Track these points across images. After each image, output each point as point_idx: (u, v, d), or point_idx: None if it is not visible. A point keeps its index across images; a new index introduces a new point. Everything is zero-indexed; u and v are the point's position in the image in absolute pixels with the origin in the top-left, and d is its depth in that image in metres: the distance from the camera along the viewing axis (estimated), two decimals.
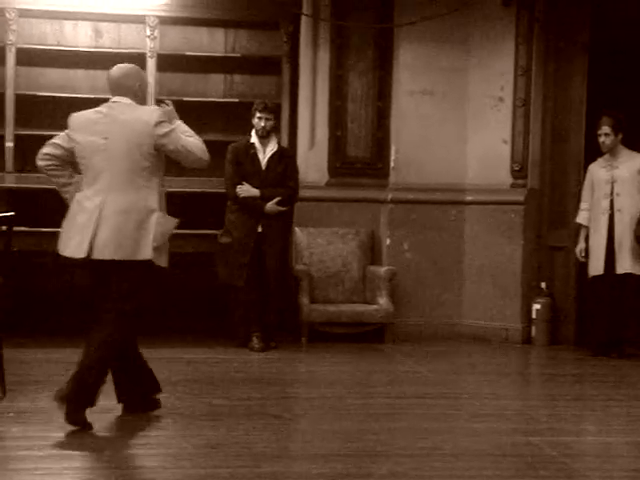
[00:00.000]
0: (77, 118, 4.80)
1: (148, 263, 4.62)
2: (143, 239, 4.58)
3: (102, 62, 7.91)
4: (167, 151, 4.68)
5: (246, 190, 7.02)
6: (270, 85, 8.13)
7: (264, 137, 7.07)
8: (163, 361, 6.54)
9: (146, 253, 4.59)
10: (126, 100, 4.72)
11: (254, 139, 7.11)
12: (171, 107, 4.85)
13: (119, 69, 4.80)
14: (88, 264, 4.69)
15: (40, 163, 4.82)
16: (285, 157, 7.19)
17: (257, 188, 7.03)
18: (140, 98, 4.80)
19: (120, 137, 4.63)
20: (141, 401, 4.89)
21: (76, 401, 4.50)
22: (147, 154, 4.63)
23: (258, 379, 6.06)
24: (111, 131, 4.65)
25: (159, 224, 4.62)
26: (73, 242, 4.66)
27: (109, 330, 4.67)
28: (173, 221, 4.74)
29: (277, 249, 7.09)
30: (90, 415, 4.84)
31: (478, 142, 7.91)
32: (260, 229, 7.05)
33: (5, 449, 4.27)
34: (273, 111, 7.11)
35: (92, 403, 4.55)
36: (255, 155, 7.07)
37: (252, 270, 7.00)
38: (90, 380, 4.55)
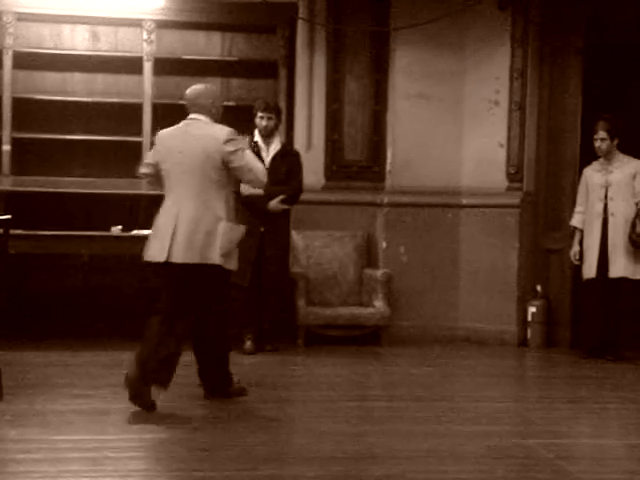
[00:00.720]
0: (161, 134, 5.36)
1: (217, 267, 5.10)
2: (212, 245, 5.07)
3: (99, 65, 7.96)
4: (232, 167, 5.14)
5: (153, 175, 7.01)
6: (267, 89, 8.13)
7: (267, 136, 7.08)
8: None
9: (214, 258, 5.08)
10: (202, 117, 5.25)
11: (257, 138, 7.12)
12: (246, 139, 5.36)
13: (194, 89, 5.35)
14: (164, 267, 5.12)
15: (142, 178, 5.53)
16: (289, 156, 7.18)
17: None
18: (214, 114, 5.29)
19: (193, 152, 5.13)
20: (224, 388, 5.39)
21: (143, 384, 5.00)
22: (216, 168, 5.11)
23: (254, 382, 6.06)
24: (186, 146, 5.16)
25: (226, 232, 5.11)
26: (154, 247, 5.17)
27: (184, 327, 5.15)
28: (240, 229, 5.23)
29: (277, 250, 7.10)
30: (87, 418, 4.87)
31: (474, 145, 7.93)
32: (262, 228, 7.03)
33: (2, 452, 4.27)
34: (275, 110, 7.12)
35: (165, 384, 5.08)
36: (259, 154, 7.02)
37: (254, 271, 6.99)
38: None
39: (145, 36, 7.87)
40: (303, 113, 7.97)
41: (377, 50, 7.94)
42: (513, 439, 4.67)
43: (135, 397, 4.99)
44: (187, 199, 5.12)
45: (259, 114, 7.05)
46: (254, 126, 7.10)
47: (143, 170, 5.41)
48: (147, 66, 7.85)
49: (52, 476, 3.94)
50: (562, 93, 7.72)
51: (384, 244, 7.89)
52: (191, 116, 5.30)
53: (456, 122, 7.94)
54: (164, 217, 5.17)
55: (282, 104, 8.01)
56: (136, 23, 7.87)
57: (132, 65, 7.89)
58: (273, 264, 7.06)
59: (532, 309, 7.70)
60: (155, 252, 5.15)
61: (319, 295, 7.72)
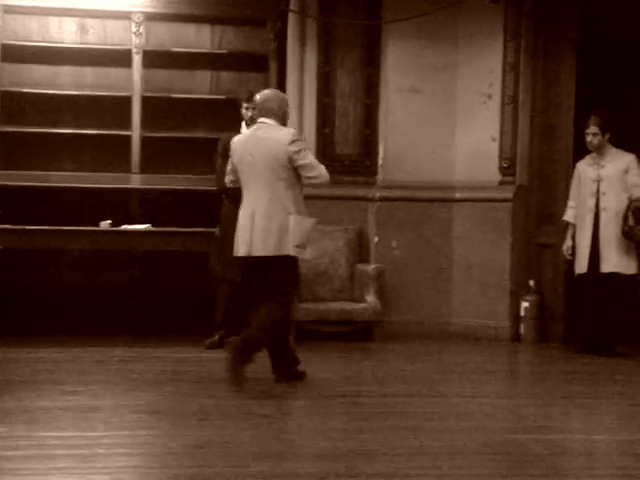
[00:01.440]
0: (235, 140, 5.84)
1: (291, 257, 5.60)
2: (284, 238, 5.56)
3: (87, 58, 7.90)
4: (298, 165, 5.58)
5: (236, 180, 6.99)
6: (257, 82, 8.08)
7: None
8: (150, 360, 6.52)
9: (288, 250, 5.56)
10: (270, 121, 5.67)
11: (243, 130, 7.03)
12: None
13: (262, 94, 5.78)
14: (246, 260, 5.68)
15: (229, 185, 5.98)
16: None
17: None
18: (281, 117, 5.71)
19: (262, 154, 5.59)
20: (290, 373, 5.82)
21: (238, 363, 5.43)
22: (284, 167, 5.57)
23: (245, 378, 6.02)
24: (256, 149, 5.62)
25: (296, 225, 5.58)
26: (240, 244, 5.70)
27: (273, 310, 5.58)
28: (310, 221, 5.69)
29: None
30: (76, 414, 4.82)
31: (466, 139, 7.90)
32: None
33: None
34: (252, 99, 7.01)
35: (249, 360, 5.50)
36: None
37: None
38: (254, 346, 5.56)
39: (134, 29, 7.82)
40: (294, 107, 7.91)
41: (369, 43, 7.91)
42: (506, 435, 4.65)
43: (235, 380, 5.44)
44: (261, 197, 5.60)
45: (245, 105, 6.96)
46: (241, 119, 7.01)
47: (227, 179, 5.94)
48: (136, 59, 7.80)
49: (41, 473, 3.90)
50: (555, 86, 7.70)
51: (376, 239, 7.86)
52: (260, 120, 5.72)
53: (449, 116, 7.91)
54: (243, 215, 5.68)
55: None
56: (125, 15, 7.82)
57: (121, 58, 7.83)
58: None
59: (525, 304, 7.68)
60: (240, 248, 5.68)
61: (311, 290, 7.69)
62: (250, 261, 5.67)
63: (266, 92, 5.82)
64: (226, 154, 6.99)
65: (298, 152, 5.58)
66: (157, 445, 4.35)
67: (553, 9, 7.65)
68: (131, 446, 4.34)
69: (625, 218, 6.95)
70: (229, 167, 5.89)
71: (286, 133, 5.62)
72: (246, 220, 5.64)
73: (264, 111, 5.69)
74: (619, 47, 7.71)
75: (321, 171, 5.64)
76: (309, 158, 5.64)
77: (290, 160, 5.56)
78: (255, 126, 5.77)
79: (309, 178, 5.65)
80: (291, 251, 5.56)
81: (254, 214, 5.61)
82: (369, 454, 4.23)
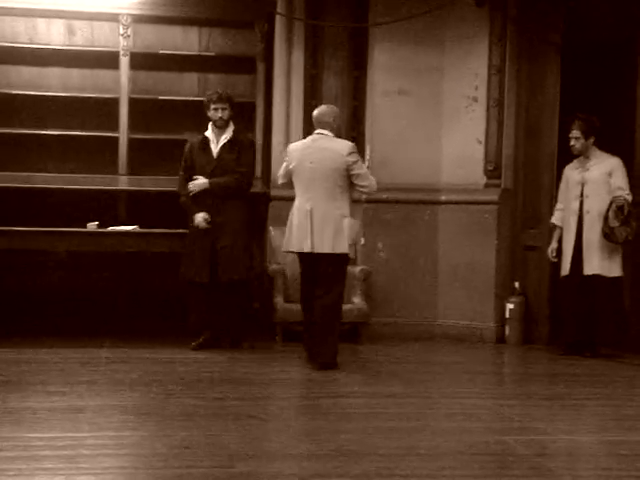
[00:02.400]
0: (292, 147, 6.58)
1: (344, 255, 6.30)
2: (339, 237, 6.26)
3: (75, 60, 7.90)
4: (353, 174, 6.30)
5: (197, 184, 6.93)
6: (244, 84, 8.10)
7: (222, 127, 6.95)
8: (136, 361, 6.52)
9: (342, 248, 6.28)
10: (326, 132, 6.37)
11: (209, 132, 7.00)
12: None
13: (319, 109, 6.49)
14: (304, 256, 6.36)
15: (281, 187, 6.72)
16: (238, 144, 6.97)
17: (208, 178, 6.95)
18: (336, 129, 6.40)
19: (321, 162, 6.29)
20: (334, 360, 6.36)
21: (328, 355, 6.28)
22: (341, 176, 6.29)
23: (232, 379, 6.04)
24: (315, 157, 6.32)
25: (350, 227, 6.30)
26: (295, 240, 6.35)
27: (329, 300, 6.29)
28: (358, 223, 6.51)
29: (230, 243, 6.89)
30: (62, 415, 4.82)
31: (452, 142, 7.93)
32: (212, 219, 6.91)
33: None
34: (228, 100, 6.96)
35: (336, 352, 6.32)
36: (208, 147, 6.97)
37: (211, 266, 6.89)
38: (330, 336, 6.29)
39: (122, 30, 7.82)
40: (281, 109, 7.94)
41: (356, 46, 7.93)
42: (491, 436, 4.67)
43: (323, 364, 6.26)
44: (318, 201, 6.28)
45: (212, 106, 6.91)
46: (207, 120, 6.99)
47: (280, 181, 6.59)
48: (124, 61, 7.80)
49: (26, 474, 3.89)
50: (540, 90, 7.74)
51: (362, 240, 7.87)
52: (317, 131, 6.40)
53: (435, 119, 7.94)
54: (299, 216, 6.34)
55: (260, 100, 8.00)
56: (112, 17, 7.82)
57: (108, 60, 7.83)
58: (225, 258, 6.90)
59: (510, 306, 7.72)
60: (296, 245, 6.36)
61: (297, 292, 7.67)
62: (306, 256, 6.36)
63: (322, 107, 6.54)
64: (190, 157, 7.00)
65: (355, 162, 6.31)
66: (143, 446, 4.35)
67: (538, 12, 7.70)
68: (117, 447, 4.34)
69: (606, 219, 6.98)
70: (282, 170, 6.51)
71: (344, 145, 6.33)
72: (303, 220, 6.30)
73: (322, 124, 6.39)
74: (603, 50, 7.75)
75: (371, 181, 6.38)
76: (363, 169, 6.39)
77: (347, 169, 6.27)
78: (313, 137, 6.43)
79: (361, 187, 6.38)
80: (345, 249, 6.30)
81: (312, 215, 6.28)
82: (355, 455, 4.25)
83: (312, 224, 6.29)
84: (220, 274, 6.89)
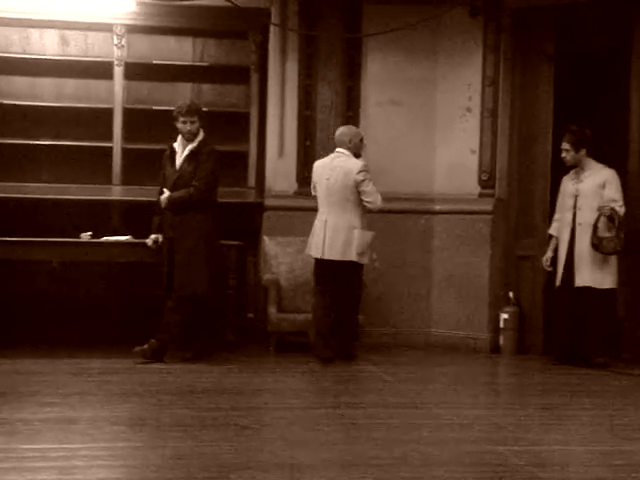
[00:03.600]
0: (316, 164, 7.27)
1: (353, 263, 6.99)
2: (349, 246, 6.98)
3: (69, 70, 7.90)
4: (360, 190, 6.96)
5: (161, 200, 6.91)
6: (238, 94, 8.11)
7: (191, 140, 6.86)
8: (129, 371, 6.51)
9: (351, 256, 6.98)
10: (343, 151, 7.07)
11: (177, 143, 6.94)
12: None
13: (339, 129, 7.19)
14: (318, 261, 7.07)
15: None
16: (198, 155, 6.84)
17: (171, 192, 6.88)
18: (352, 148, 7.06)
19: (336, 179, 7.01)
20: (352, 352, 7.19)
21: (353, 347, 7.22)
22: (351, 192, 6.97)
23: (225, 389, 6.02)
24: (332, 174, 7.04)
25: (359, 237, 6.98)
26: (313, 246, 7.08)
27: (351, 300, 7.12)
28: (370, 234, 7.06)
29: (186, 256, 6.76)
30: (55, 426, 4.80)
31: (446, 152, 7.94)
32: (172, 234, 6.85)
33: None
34: (197, 112, 6.86)
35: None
36: (174, 158, 6.92)
37: (168, 278, 6.84)
38: (349, 328, 7.18)
39: (116, 41, 7.83)
40: (275, 119, 7.95)
41: (349, 56, 7.95)
42: (485, 446, 4.66)
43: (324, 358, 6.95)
44: (332, 213, 7.01)
45: (181, 119, 6.81)
46: (177, 132, 6.93)
47: (312, 194, 7.26)
48: (118, 71, 7.81)
49: None
50: (534, 100, 7.76)
51: (374, 255, 7.87)
52: (337, 150, 7.10)
53: (428, 129, 7.96)
54: (318, 225, 7.07)
55: (254, 110, 8.01)
56: (106, 27, 7.83)
57: (102, 70, 7.84)
58: (180, 273, 6.78)
59: (504, 316, 7.72)
60: (313, 250, 7.08)
61: (291, 302, 7.69)
62: (319, 261, 7.07)
63: (341, 127, 7.22)
64: (161, 168, 6.96)
65: (363, 181, 6.95)
66: (136, 457, 4.33)
67: (531, 23, 7.73)
68: (110, 458, 4.32)
69: (595, 230, 6.98)
70: (312, 185, 7.24)
71: (356, 164, 6.98)
72: (320, 229, 7.03)
73: (340, 143, 7.09)
74: (596, 59, 7.78)
75: (376, 198, 6.99)
76: (370, 186, 6.97)
77: (356, 185, 6.93)
78: (332, 155, 7.11)
79: (367, 202, 6.99)
80: (354, 257, 6.97)
81: (326, 224, 7.00)
82: (348, 465, 4.24)
83: (325, 233, 7.00)
84: (175, 289, 6.80)
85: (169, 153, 6.97)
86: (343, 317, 7.10)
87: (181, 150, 6.92)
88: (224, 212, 7.82)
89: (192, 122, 6.82)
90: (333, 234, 6.99)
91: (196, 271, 6.79)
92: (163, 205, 6.92)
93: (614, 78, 7.73)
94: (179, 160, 6.90)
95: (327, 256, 7.01)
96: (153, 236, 7.03)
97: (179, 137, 6.92)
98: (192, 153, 6.87)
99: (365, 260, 7.12)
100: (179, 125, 6.84)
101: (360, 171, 6.96)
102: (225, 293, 7.39)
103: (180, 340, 6.92)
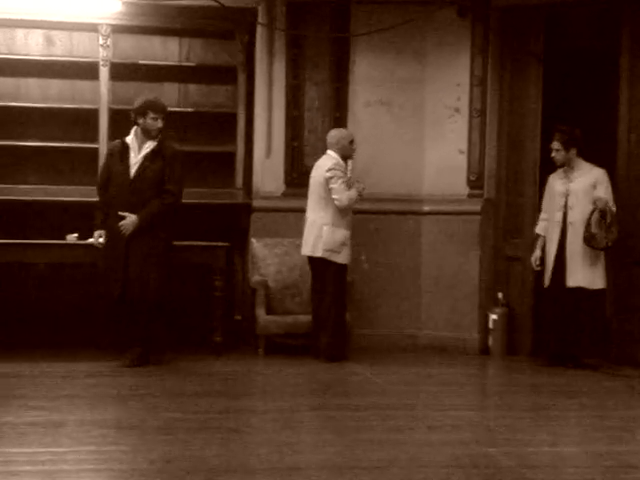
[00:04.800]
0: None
1: (327, 260, 7.10)
2: (318, 244, 7.12)
3: (54, 71, 7.84)
4: (330, 188, 7.08)
5: (128, 225, 6.58)
6: (225, 95, 8.07)
7: (153, 138, 6.70)
8: (115, 374, 6.47)
9: (319, 252, 7.10)
10: (330, 152, 7.23)
11: (130, 139, 6.74)
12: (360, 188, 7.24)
13: (330, 131, 7.35)
14: (308, 259, 7.28)
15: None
16: (163, 154, 6.68)
17: (127, 193, 6.62)
18: (340, 150, 7.21)
19: (314, 177, 7.22)
20: (339, 351, 7.18)
21: (336, 347, 7.15)
22: (324, 189, 7.12)
23: (213, 392, 6.00)
24: (313, 173, 7.27)
25: (327, 234, 7.09)
26: (303, 245, 7.28)
27: (328, 298, 7.14)
28: (342, 233, 7.12)
29: (141, 259, 6.59)
30: (42, 430, 4.76)
31: (435, 152, 7.93)
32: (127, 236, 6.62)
33: None
34: (165, 110, 6.75)
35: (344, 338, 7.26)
36: (127, 155, 6.69)
37: (123, 281, 6.59)
38: (332, 328, 7.13)
39: (101, 41, 7.78)
40: (263, 120, 7.92)
41: (337, 56, 7.92)
42: (475, 447, 4.65)
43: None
44: (310, 210, 7.24)
45: (152, 115, 6.64)
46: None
47: None
48: (103, 71, 7.76)
49: None
50: (522, 100, 7.75)
51: (363, 257, 7.86)
52: (327, 151, 7.26)
53: (417, 129, 7.94)
54: (305, 223, 7.28)
55: (241, 110, 7.98)
56: (92, 28, 7.78)
57: (88, 70, 7.79)
58: (137, 273, 6.58)
59: (493, 317, 7.71)
60: (303, 248, 7.30)
61: (280, 303, 7.66)
62: (308, 259, 7.28)
63: (332, 130, 7.35)
64: (108, 165, 6.76)
65: (331, 178, 7.08)
66: (124, 460, 4.30)
67: (519, 23, 7.72)
68: (97, 462, 4.29)
69: (588, 225, 6.98)
70: None
71: (328, 162, 7.14)
72: (305, 226, 7.25)
73: (328, 145, 7.24)
74: (584, 59, 7.78)
75: (341, 196, 7.06)
76: (337, 184, 7.06)
77: (327, 183, 7.07)
78: (324, 156, 7.28)
79: (334, 199, 7.07)
80: (322, 254, 7.08)
81: (306, 222, 7.23)
82: (338, 467, 4.22)
83: (305, 230, 7.24)
84: (128, 293, 6.61)
85: (120, 148, 6.74)
86: (324, 316, 7.12)
87: (137, 146, 6.71)
88: (211, 213, 7.82)
89: (162, 119, 6.72)
90: (308, 230, 7.20)
91: (153, 273, 6.63)
92: (130, 230, 6.57)
93: (602, 78, 7.74)
94: (136, 157, 6.69)
95: (302, 252, 7.27)
96: (97, 233, 6.73)
97: (133, 132, 6.74)
98: (155, 151, 6.70)
99: (338, 259, 7.10)
100: (148, 121, 6.65)
101: (329, 169, 7.09)
102: (212, 295, 7.36)
103: (149, 344, 6.78)
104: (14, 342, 7.40)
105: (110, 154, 6.84)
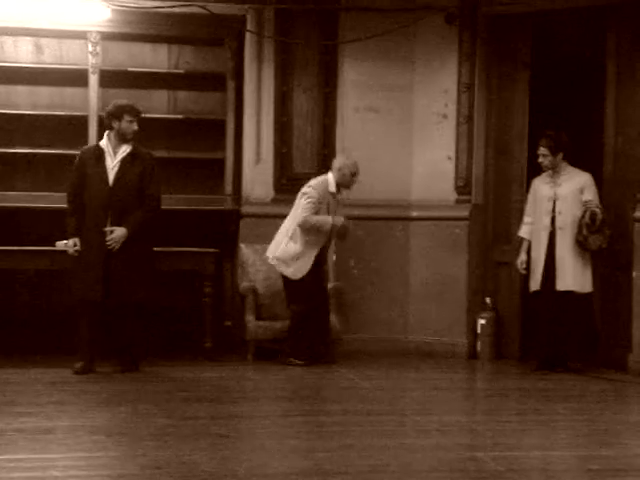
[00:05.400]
0: None
1: (284, 275, 7.28)
2: (276, 250, 7.31)
3: (43, 78, 7.84)
4: (300, 206, 7.19)
5: (118, 238, 6.53)
6: (215, 101, 8.09)
7: (128, 141, 6.66)
8: (105, 380, 6.47)
9: (270, 259, 7.33)
10: (330, 175, 7.28)
11: (104, 143, 6.70)
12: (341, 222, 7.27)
13: (338, 155, 7.59)
14: None
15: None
16: (141, 159, 6.67)
17: (105, 197, 6.58)
18: (338, 178, 7.25)
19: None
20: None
21: (295, 350, 7.23)
22: (298, 204, 7.25)
23: (203, 397, 6.00)
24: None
25: (283, 245, 7.23)
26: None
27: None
28: (294, 247, 7.18)
29: (123, 262, 6.54)
30: (31, 436, 4.76)
31: (423, 158, 7.96)
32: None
33: None
34: (139, 114, 6.73)
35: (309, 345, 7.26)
36: (102, 160, 6.64)
37: (104, 286, 6.53)
38: (299, 332, 7.24)
39: (90, 48, 7.78)
40: (252, 126, 7.94)
41: (326, 63, 7.95)
42: (463, 452, 4.66)
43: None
44: (287, 218, 7.38)
45: (128, 118, 6.60)
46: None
47: None
48: (92, 78, 7.76)
49: None
50: (509, 106, 7.79)
51: (334, 257, 7.87)
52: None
53: (405, 135, 7.97)
54: None
55: (230, 117, 8.00)
56: (81, 35, 7.78)
57: (77, 77, 7.79)
58: (118, 278, 6.54)
59: (481, 321, 7.73)
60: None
61: (269, 309, 7.67)
62: None
63: (340, 155, 7.54)
64: (82, 169, 6.64)
65: (305, 194, 7.20)
66: (114, 467, 4.30)
67: (507, 30, 7.76)
68: (87, 468, 4.29)
69: (580, 227, 7.01)
70: None
71: (315, 182, 7.25)
72: None
73: (332, 167, 7.30)
74: (571, 66, 7.83)
75: (303, 216, 7.14)
76: (303, 203, 7.18)
77: (301, 196, 7.24)
78: None
79: (300, 217, 7.20)
80: (270, 260, 7.29)
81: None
82: (327, 473, 4.22)
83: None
84: (112, 295, 6.58)
85: (94, 152, 6.68)
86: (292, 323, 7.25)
87: (112, 151, 6.65)
88: (201, 219, 7.83)
89: (137, 122, 6.69)
90: (277, 235, 7.37)
91: (138, 276, 6.61)
92: (119, 244, 6.54)
93: (589, 85, 7.78)
94: (113, 161, 6.63)
95: (266, 253, 7.43)
96: (72, 241, 6.63)
97: (106, 137, 6.69)
98: (133, 155, 6.66)
99: (286, 271, 7.20)
100: (124, 124, 6.61)
101: (309, 186, 7.20)
102: (202, 301, 7.37)
103: (131, 349, 6.76)
104: (2, 348, 7.38)
105: (82, 159, 6.72)
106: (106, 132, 6.73)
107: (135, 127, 6.66)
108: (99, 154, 6.68)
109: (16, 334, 7.60)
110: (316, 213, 7.17)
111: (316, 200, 7.14)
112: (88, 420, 5.21)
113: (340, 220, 7.17)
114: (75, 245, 6.66)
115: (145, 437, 4.82)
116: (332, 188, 7.22)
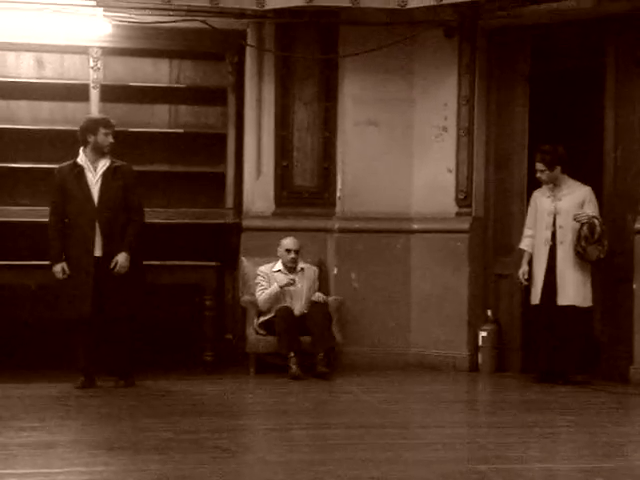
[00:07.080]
0: None
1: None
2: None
3: (45, 93, 7.87)
4: None
5: (123, 265, 6.54)
6: (215, 116, 8.12)
7: (105, 155, 6.64)
8: (106, 394, 6.47)
9: None
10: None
11: (81, 159, 6.65)
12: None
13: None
14: None
15: None
16: (121, 172, 6.64)
17: (91, 212, 6.56)
18: (280, 257, 7.60)
19: None
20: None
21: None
22: None
23: (204, 411, 6.00)
24: None
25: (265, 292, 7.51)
26: None
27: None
28: (267, 295, 7.49)
29: (114, 277, 6.54)
30: (33, 451, 4.76)
31: (423, 171, 7.97)
32: (99, 253, 6.57)
33: None
34: (114, 126, 6.72)
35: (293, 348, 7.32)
36: (83, 176, 6.59)
37: (94, 301, 6.51)
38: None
39: (92, 63, 7.81)
40: (252, 140, 7.96)
41: (326, 77, 7.98)
42: (466, 465, 4.66)
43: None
44: None
45: (104, 131, 6.58)
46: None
47: None
48: (94, 93, 7.79)
49: None
50: (510, 119, 7.81)
51: (335, 270, 7.88)
52: None
53: (405, 148, 7.99)
54: None
55: (231, 131, 8.02)
56: (82, 50, 7.81)
57: (78, 92, 7.82)
58: (108, 293, 6.54)
59: (483, 334, 7.72)
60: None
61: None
62: None
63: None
64: (63, 186, 6.61)
65: (256, 278, 7.56)
66: None
67: (506, 43, 7.79)
68: None
69: (579, 238, 7.01)
70: None
71: (263, 267, 7.63)
72: None
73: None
74: (570, 79, 7.85)
75: (259, 298, 7.50)
76: (257, 288, 7.57)
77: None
78: None
79: None
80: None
81: None
82: None
83: None
84: (103, 310, 6.55)
85: (72, 169, 6.63)
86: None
87: (91, 166, 6.62)
88: (202, 233, 7.84)
89: (113, 135, 6.67)
90: None
91: (128, 290, 6.59)
92: (126, 268, 6.55)
93: (588, 98, 7.80)
94: (95, 176, 6.61)
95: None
96: (60, 265, 6.56)
97: (82, 152, 6.66)
98: (112, 169, 6.63)
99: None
100: (100, 137, 6.59)
101: (260, 272, 7.60)
102: (203, 314, 7.37)
103: (126, 362, 6.75)
104: (4, 363, 7.38)
105: (61, 177, 6.67)
106: (81, 148, 6.69)
107: (111, 139, 6.65)
108: (78, 171, 6.63)
109: (17, 349, 7.60)
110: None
111: (265, 284, 7.52)
112: (89, 434, 5.21)
113: (285, 282, 7.46)
114: (63, 270, 6.60)
115: (147, 451, 4.82)
116: (279, 268, 7.57)
